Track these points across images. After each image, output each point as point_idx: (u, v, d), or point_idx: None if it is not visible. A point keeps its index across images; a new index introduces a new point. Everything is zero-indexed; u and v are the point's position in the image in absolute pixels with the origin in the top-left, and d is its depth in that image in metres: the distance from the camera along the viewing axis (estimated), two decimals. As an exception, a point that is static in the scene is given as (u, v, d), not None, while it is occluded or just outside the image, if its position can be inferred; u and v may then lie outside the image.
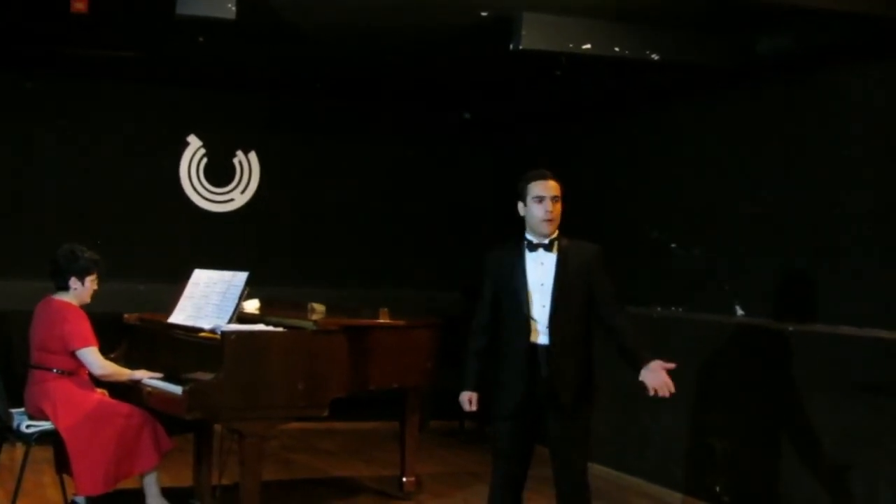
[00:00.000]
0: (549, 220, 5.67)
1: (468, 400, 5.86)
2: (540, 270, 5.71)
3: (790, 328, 7.29)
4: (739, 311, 7.86)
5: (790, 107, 7.59)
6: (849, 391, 6.81)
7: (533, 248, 5.73)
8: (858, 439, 6.75)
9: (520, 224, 5.81)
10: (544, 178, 5.74)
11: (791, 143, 7.53)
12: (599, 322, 5.78)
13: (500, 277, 5.80)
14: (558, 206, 5.71)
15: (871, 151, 6.94)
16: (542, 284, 5.69)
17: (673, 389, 5.52)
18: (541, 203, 5.68)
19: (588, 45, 7.24)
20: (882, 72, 6.89)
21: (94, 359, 6.89)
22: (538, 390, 5.67)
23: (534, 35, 7.07)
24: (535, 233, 5.74)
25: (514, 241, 5.82)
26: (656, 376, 5.55)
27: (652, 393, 5.56)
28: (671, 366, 5.57)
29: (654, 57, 7.45)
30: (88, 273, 7.05)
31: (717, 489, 7.88)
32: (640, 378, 5.60)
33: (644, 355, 5.63)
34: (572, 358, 5.69)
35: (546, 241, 5.71)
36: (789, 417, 7.28)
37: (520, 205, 5.77)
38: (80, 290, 7.03)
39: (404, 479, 8.11)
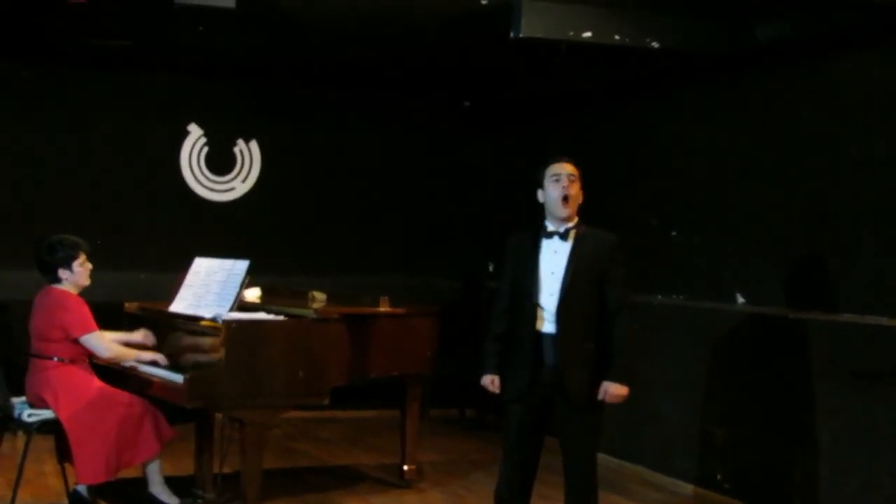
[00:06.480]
0: (566, 198, 5.67)
1: (490, 382, 5.86)
2: (553, 259, 5.71)
3: (790, 316, 7.29)
4: (740, 299, 7.86)
5: (792, 94, 7.57)
6: (849, 379, 6.81)
7: (549, 235, 5.74)
8: (858, 427, 6.75)
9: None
10: (561, 160, 5.78)
11: (792, 130, 7.52)
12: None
13: (518, 262, 5.83)
14: (576, 186, 5.72)
15: (873, 138, 6.92)
16: (552, 273, 5.70)
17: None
18: (558, 182, 5.70)
19: (588, 33, 7.23)
20: (882, 58, 6.88)
21: (97, 343, 6.88)
22: (543, 378, 5.69)
23: (534, 23, 7.06)
24: (553, 217, 5.75)
25: (535, 227, 5.83)
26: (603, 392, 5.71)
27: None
28: (613, 400, 5.71)
29: (655, 45, 7.45)
30: (73, 259, 6.97)
31: (718, 477, 7.89)
32: None
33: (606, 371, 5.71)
34: (582, 348, 5.68)
35: (562, 230, 5.72)
36: (789, 405, 7.28)
37: (539, 192, 5.80)
38: (73, 277, 6.97)
39: (405, 468, 8.11)
